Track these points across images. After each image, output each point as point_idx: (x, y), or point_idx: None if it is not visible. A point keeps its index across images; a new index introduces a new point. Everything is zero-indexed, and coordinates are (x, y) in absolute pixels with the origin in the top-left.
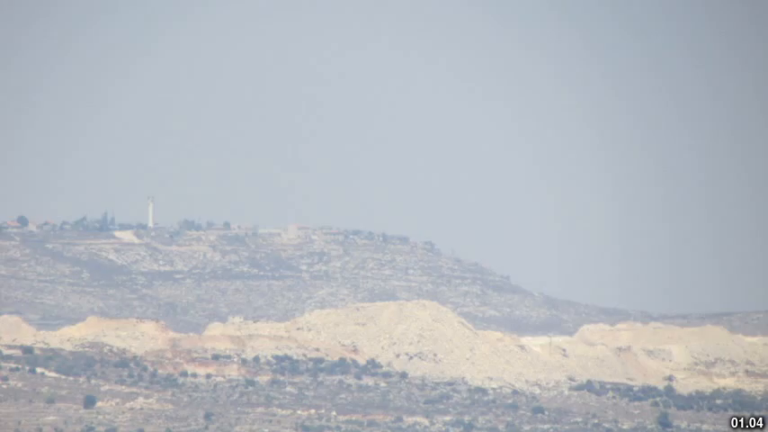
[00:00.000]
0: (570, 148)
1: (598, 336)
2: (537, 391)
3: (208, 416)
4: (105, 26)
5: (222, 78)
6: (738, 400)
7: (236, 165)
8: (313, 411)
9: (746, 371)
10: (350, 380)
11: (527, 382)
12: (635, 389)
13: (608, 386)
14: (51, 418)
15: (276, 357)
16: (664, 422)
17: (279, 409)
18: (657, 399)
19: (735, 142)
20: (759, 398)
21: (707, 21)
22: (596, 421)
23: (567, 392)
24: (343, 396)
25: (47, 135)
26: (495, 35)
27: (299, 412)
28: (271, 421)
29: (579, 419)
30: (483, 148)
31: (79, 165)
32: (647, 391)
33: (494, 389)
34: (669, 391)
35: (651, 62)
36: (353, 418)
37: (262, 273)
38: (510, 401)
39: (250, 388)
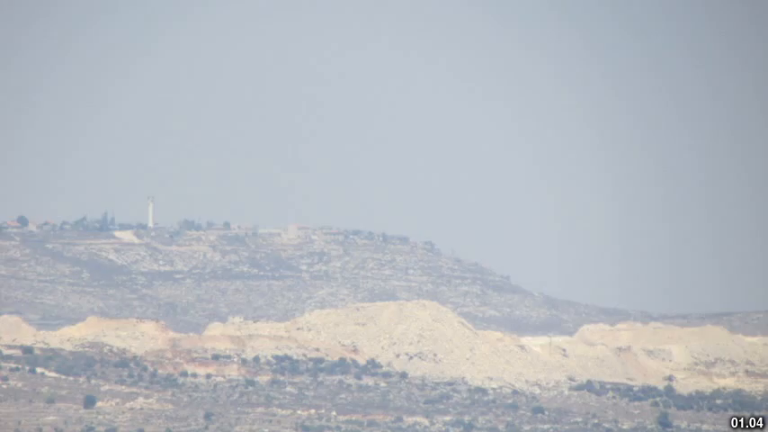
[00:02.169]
0: (570, 148)
1: (598, 336)
2: (537, 391)
3: (208, 416)
4: (105, 26)
5: (222, 78)
6: (738, 400)
7: (236, 165)
8: (313, 411)
9: (746, 371)
10: (350, 380)
11: (527, 382)
12: (635, 389)
13: (608, 386)
14: (51, 418)
15: (276, 357)
16: (664, 422)
17: (279, 409)
18: (657, 399)
19: (735, 142)
20: (759, 398)
21: (707, 21)
22: (596, 421)
23: (567, 392)
24: (343, 396)
25: (47, 135)
26: (495, 35)
27: (299, 412)
28: (271, 421)
29: (579, 419)
30: (483, 148)
31: (79, 165)
32: (647, 391)
33: (494, 389)
34: (669, 391)
35: (651, 62)
36: (353, 418)
37: (262, 273)
38: (510, 401)
39: (250, 388)
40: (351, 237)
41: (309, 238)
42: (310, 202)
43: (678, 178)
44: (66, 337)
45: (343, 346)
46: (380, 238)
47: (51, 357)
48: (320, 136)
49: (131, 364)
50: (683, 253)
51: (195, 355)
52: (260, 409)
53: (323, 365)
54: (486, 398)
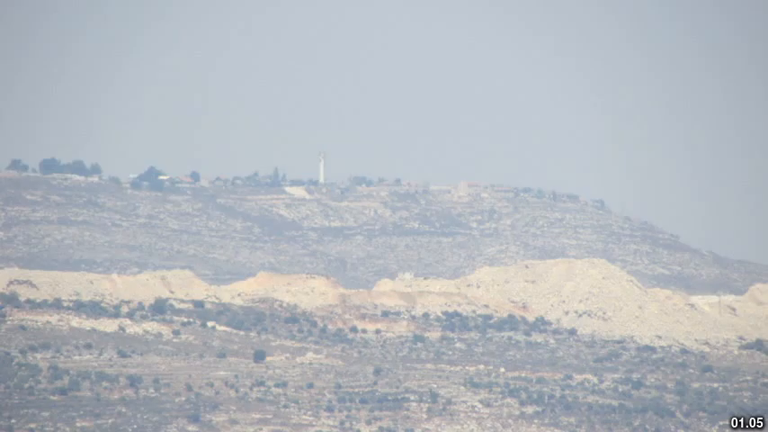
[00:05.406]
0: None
1: None
2: (706, 349)
3: (377, 371)
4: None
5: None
6: None
7: (407, 123)
8: (482, 367)
9: None
10: (519, 336)
11: (696, 340)
12: None
13: None
14: (222, 372)
15: (445, 314)
16: None
17: (448, 365)
18: None
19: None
20: None
21: None
22: (766, 380)
23: (736, 351)
24: (511, 353)
25: (220, 95)
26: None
27: (467, 368)
28: (440, 377)
29: (749, 378)
30: (658, 109)
31: (251, 121)
32: None
33: (662, 347)
34: None
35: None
36: (522, 375)
37: (432, 229)
38: (679, 360)
39: (419, 344)
40: (521, 194)
41: (479, 195)
42: (480, 159)
43: None
44: (237, 292)
45: (513, 303)
46: (550, 196)
47: (222, 312)
48: (489, 96)
49: (301, 320)
50: None
51: (365, 311)
52: (429, 365)
53: (492, 322)
54: (654, 356)
